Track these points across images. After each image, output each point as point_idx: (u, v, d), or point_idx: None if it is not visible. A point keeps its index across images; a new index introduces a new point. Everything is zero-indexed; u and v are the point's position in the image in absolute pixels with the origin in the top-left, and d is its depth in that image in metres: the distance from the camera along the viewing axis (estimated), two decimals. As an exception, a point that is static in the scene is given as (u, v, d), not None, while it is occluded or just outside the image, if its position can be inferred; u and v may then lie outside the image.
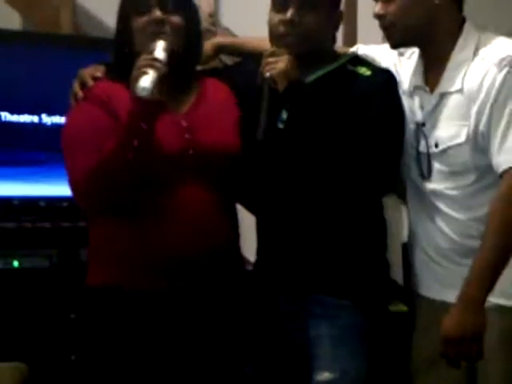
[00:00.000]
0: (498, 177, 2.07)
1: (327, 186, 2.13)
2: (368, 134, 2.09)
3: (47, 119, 2.92)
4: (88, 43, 3.07)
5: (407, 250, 2.35)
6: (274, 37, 2.15)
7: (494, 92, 2.05)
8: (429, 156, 2.17)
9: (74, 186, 2.11)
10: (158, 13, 2.14)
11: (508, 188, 2.03)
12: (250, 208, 2.33)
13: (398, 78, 2.23)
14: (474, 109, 2.08)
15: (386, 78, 2.19)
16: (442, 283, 2.19)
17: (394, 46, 2.21)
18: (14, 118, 2.90)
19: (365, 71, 2.18)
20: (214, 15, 3.47)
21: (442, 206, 2.17)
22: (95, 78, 2.20)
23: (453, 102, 2.13)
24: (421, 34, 2.14)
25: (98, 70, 2.23)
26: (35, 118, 2.92)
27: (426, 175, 2.18)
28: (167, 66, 2.04)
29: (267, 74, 2.08)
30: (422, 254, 2.25)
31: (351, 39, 2.92)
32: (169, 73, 2.10)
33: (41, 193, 2.91)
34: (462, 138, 2.10)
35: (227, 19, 3.48)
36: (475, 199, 2.13)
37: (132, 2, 2.18)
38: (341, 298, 2.16)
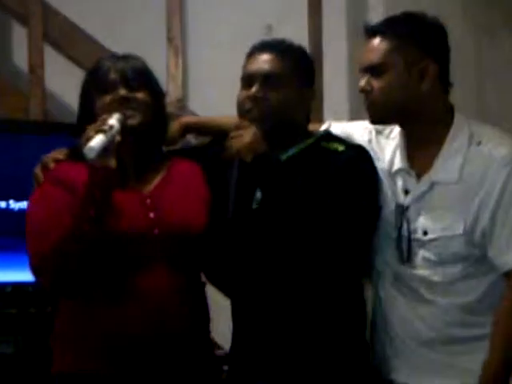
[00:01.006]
0: (485, 266, 2.07)
1: (303, 267, 2.11)
2: (342, 212, 2.07)
3: (15, 205, 2.91)
4: (57, 129, 3.08)
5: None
6: (241, 112, 2.18)
7: (497, 189, 2.04)
8: (410, 241, 2.13)
9: (33, 266, 2.08)
10: (123, 91, 2.12)
11: None
12: (223, 290, 2.29)
13: (374, 156, 2.21)
14: (475, 203, 2.06)
15: (359, 152, 2.18)
16: (419, 370, 2.15)
17: (374, 122, 2.19)
18: (-17, 203, 2.89)
19: (337, 147, 2.18)
20: (182, 100, 3.51)
21: (424, 292, 2.13)
22: (57, 161, 2.19)
23: (448, 192, 2.10)
24: (404, 114, 2.13)
25: (60, 153, 2.22)
26: (3, 204, 2.91)
27: (406, 260, 2.14)
28: (120, 135, 2.02)
29: (233, 148, 2.10)
30: (396, 341, 2.18)
31: (318, 115, 2.98)
32: (135, 149, 2.11)
33: (7, 278, 2.89)
34: (458, 230, 2.08)
35: (195, 104, 3.51)
36: (461, 286, 2.11)
37: (96, 80, 2.15)
38: None
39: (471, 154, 2.09)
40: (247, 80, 2.19)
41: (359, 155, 2.17)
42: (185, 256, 2.13)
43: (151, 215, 2.11)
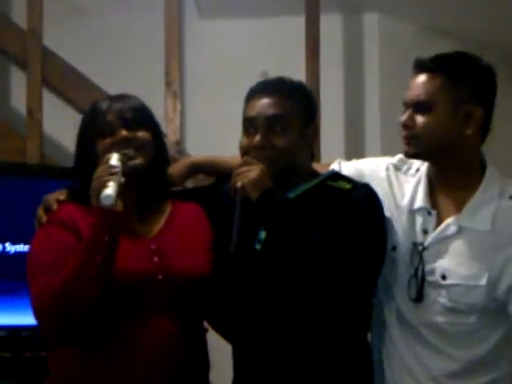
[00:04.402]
0: (499, 318, 2.04)
1: (306, 310, 2.06)
2: (347, 251, 2.00)
3: (11, 247, 2.89)
4: (54, 172, 3.09)
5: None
6: None
7: None
8: (423, 281, 2.09)
9: (35, 309, 2.00)
10: (123, 132, 2.08)
11: None
12: (224, 335, 2.24)
13: (391, 192, 2.18)
14: (503, 256, 2.03)
15: (365, 191, 2.12)
16: None
17: (409, 156, 2.14)
18: (-22, 246, 2.88)
19: (344, 185, 2.12)
20: (179, 143, 3.53)
21: (430, 337, 2.09)
22: (59, 202, 2.15)
23: (477, 240, 2.06)
24: (442, 155, 2.09)
25: (62, 194, 2.18)
26: (-1, 247, 2.91)
27: (415, 299, 2.09)
28: (123, 175, 1.99)
29: (238, 184, 2.02)
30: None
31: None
32: (137, 190, 2.08)
33: (1, 322, 2.86)
34: (482, 282, 2.04)
35: (192, 147, 3.53)
36: (473, 337, 2.07)
37: (94, 124, 2.11)
38: None
39: (503, 206, 2.06)
40: (249, 125, 2.11)
41: (366, 194, 2.11)
42: (188, 302, 2.09)
43: (155, 260, 2.07)
